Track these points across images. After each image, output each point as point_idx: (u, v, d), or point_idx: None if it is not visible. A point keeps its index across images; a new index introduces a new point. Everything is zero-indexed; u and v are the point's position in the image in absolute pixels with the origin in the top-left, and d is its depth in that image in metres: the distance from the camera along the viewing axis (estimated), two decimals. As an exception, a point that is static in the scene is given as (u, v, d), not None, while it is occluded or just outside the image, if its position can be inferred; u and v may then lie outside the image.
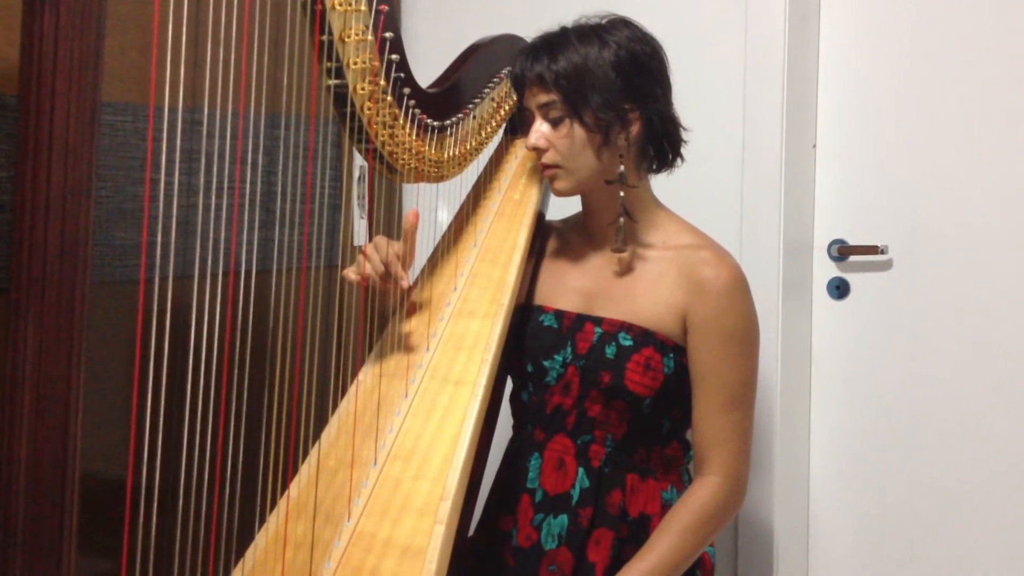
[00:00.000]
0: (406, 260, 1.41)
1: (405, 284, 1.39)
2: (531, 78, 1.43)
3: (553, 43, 1.43)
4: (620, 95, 1.40)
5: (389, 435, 1.34)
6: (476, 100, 1.56)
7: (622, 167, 1.44)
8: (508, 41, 1.63)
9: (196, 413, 1.13)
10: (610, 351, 1.41)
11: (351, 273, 1.43)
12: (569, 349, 1.45)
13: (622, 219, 1.44)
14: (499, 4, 2.20)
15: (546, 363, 1.46)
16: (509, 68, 1.61)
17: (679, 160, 1.50)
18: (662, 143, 1.47)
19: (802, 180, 1.94)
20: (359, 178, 2.10)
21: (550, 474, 1.45)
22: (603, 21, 1.45)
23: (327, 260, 1.92)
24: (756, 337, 1.45)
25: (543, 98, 1.43)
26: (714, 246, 1.46)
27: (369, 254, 1.41)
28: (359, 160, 2.06)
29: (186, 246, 1.23)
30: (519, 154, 1.71)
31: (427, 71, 1.49)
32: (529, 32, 1.51)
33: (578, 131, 1.42)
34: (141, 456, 1.05)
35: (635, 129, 1.44)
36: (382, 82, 1.32)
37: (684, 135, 1.49)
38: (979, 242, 1.81)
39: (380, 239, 1.42)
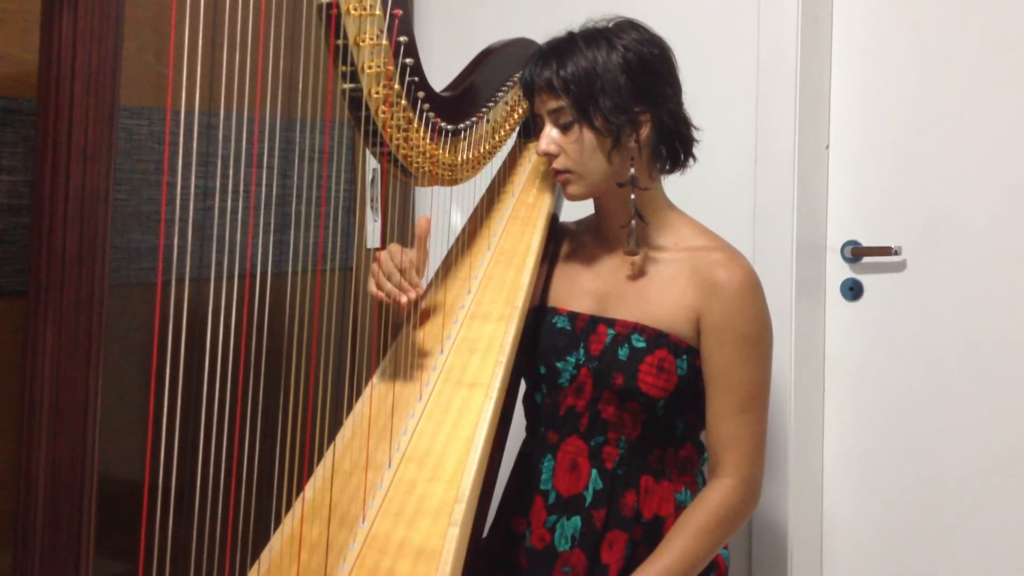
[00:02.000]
0: (420, 267, 1.42)
1: (414, 295, 1.39)
2: (540, 84, 1.44)
3: (561, 48, 1.43)
4: (629, 98, 1.40)
5: (403, 437, 1.35)
6: (490, 104, 1.56)
7: (633, 170, 1.44)
8: (521, 45, 1.63)
9: (212, 415, 1.13)
10: (623, 353, 1.42)
11: (372, 287, 1.43)
12: (582, 351, 1.45)
13: (634, 222, 1.45)
14: (512, 8, 2.20)
15: (559, 364, 1.46)
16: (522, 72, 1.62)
17: (691, 160, 1.50)
18: (674, 144, 1.48)
19: (815, 181, 1.94)
20: (372, 180, 2.11)
21: (563, 476, 1.45)
22: (610, 24, 1.45)
23: (342, 263, 1.92)
24: (770, 339, 1.44)
25: (552, 104, 1.43)
26: (727, 248, 1.46)
27: (383, 261, 1.41)
28: (372, 163, 2.06)
29: (202, 249, 1.24)
30: (533, 157, 1.71)
31: (441, 75, 1.49)
32: (542, 36, 1.51)
33: (588, 135, 1.42)
34: (158, 457, 1.05)
35: (645, 131, 1.44)
36: (396, 86, 1.32)
37: (696, 135, 1.49)
38: (993, 243, 1.80)
39: (394, 247, 1.42)
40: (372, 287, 1.42)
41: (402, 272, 1.39)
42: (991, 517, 1.80)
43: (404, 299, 1.39)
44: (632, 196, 1.44)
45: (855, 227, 1.94)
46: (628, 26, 1.45)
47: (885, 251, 1.90)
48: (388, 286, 1.40)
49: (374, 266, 1.43)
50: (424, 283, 1.54)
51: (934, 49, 1.86)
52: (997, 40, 1.80)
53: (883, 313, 1.92)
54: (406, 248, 1.42)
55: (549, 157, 1.46)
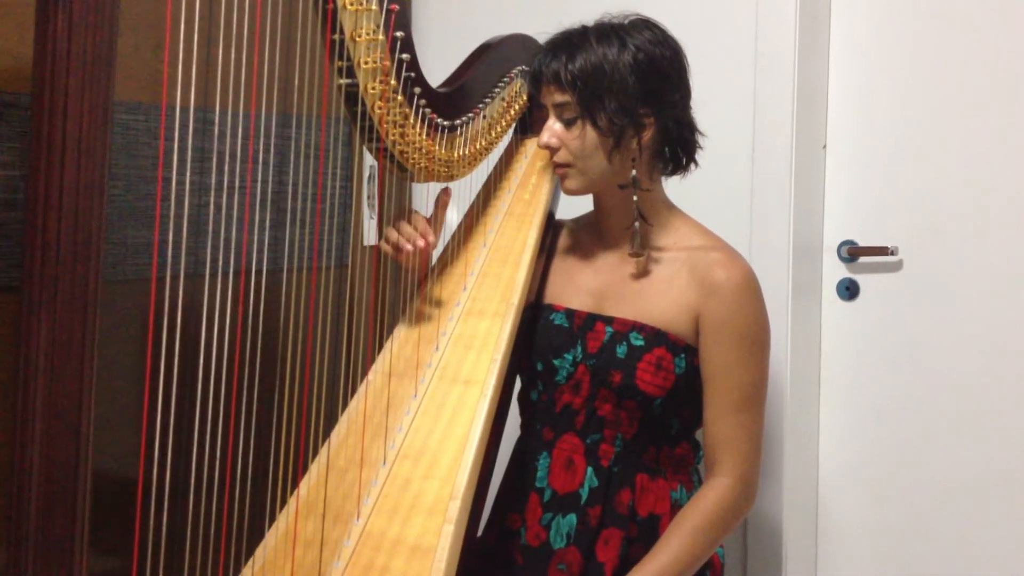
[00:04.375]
0: (435, 232, 1.46)
1: (420, 244, 1.42)
2: (548, 76, 1.43)
3: (572, 41, 1.42)
4: (636, 100, 1.40)
5: (399, 434, 1.34)
6: (486, 100, 1.56)
7: (634, 171, 1.43)
8: (518, 41, 1.63)
9: (207, 411, 1.13)
10: (621, 351, 1.41)
11: (384, 244, 1.47)
12: (579, 348, 1.45)
13: (637, 224, 1.44)
14: (509, 4, 2.20)
15: (556, 362, 1.46)
16: (520, 67, 1.61)
17: (693, 165, 1.50)
18: (676, 148, 1.47)
19: (812, 181, 1.94)
20: (369, 177, 2.11)
21: (559, 473, 1.45)
22: (625, 22, 1.44)
23: (338, 260, 1.92)
24: (767, 338, 1.44)
25: (558, 98, 1.43)
26: (726, 247, 1.46)
27: (400, 223, 1.44)
28: (369, 159, 2.06)
29: (197, 245, 1.24)
30: (529, 153, 1.71)
31: (437, 71, 1.49)
32: (539, 32, 1.51)
33: (590, 133, 1.42)
34: (152, 454, 1.05)
35: (648, 134, 1.43)
36: (393, 81, 1.32)
37: (700, 140, 1.49)
38: (989, 243, 1.80)
39: (411, 211, 1.46)
40: (383, 244, 1.47)
41: (419, 231, 1.44)
42: (986, 516, 1.80)
43: (421, 242, 1.42)
44: (635, 198, 1.44)
45: (851, 227, 1.94)
46: (643, 25, 1.44)
47: (881, 251, 1.90)
48: (408, 229, 1.43)
49: (388, 230, 1.46)
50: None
51: (932, 49, 1.86)
52: (995, 40, 1.80)
53: (879, 313, 1.92)
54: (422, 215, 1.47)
55: (550, 150, 1.46)
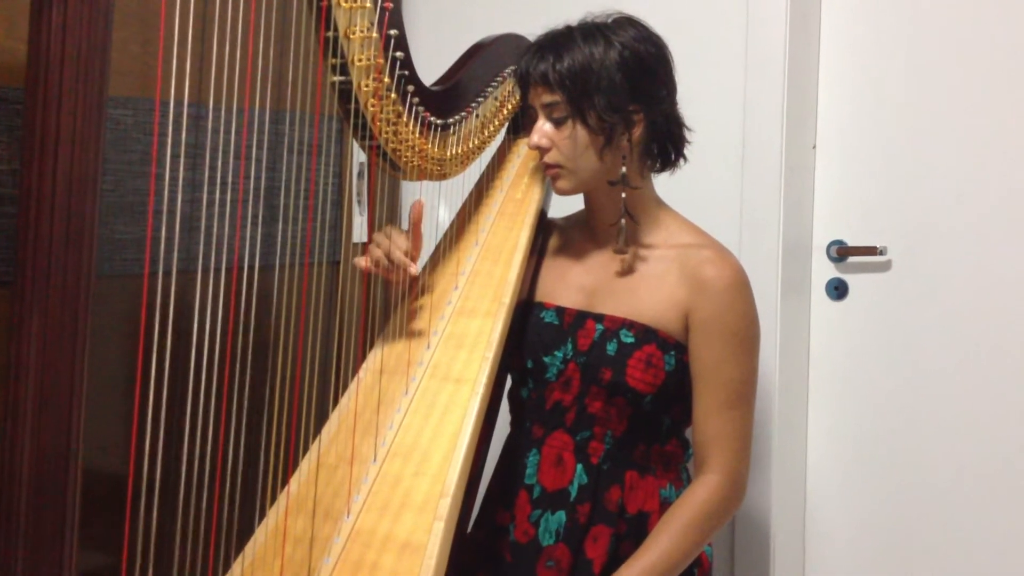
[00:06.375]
0: (414, 253, 1.43)
1: (414, 271, 1.40)
2: (535, 76, 1.43)
3: (558, 42, 1.43)
4: (625, 97, 1.40)
5: (389, 432, 1.35)
6: (479, 99, 1.56)
7: (624, 169, 1.44)
8: (511, 40, 1.63)
9: (197, 408, 1.13)
10: (611, 348, 1.42)
11: (361, 261, 1.44)
12: (570, 345, 1.45)
13: (623, 221, 1.45)
14: (503, 3, 2.20)
15: (546, 359, 1.47)
16: (512, 67, 1.61)
17: (682, 160, 1.51)
18: (665, 144, 1.48)
19: (802, 181, 1.94)
20: (359, 174, 2.11)
21: (548, 470, 1.46)
22: (609, 20, 1.45)
23: (329, 256, 1.92)
24: (757, 336, 1.45)
25: (547, 98, 1.43)
26: (716, 245, 1.47)
27: (379, 241, 1.41)
28: (360, 156, 2.06)
29: (189, 241, 1.23)
30: (521, 153, 1.71)
31: (430, 69, 1.49)
32: (532, 31, 1.51)
33: (581, 132, 1.42)
34: (142, 450, 1.05)
35: (638, 131, 1.44)
36: (386, 79, 1.32)
37: (688, 135, 1.49)
38: (978, 243, 1.81)
39: (391, 228, 1.43)
40: (361, 262, 1.43)
41: (394, 254, 1.40)
42: (973, 515, 1.81)
43: (413, 270, 1.40)
44: (623, 195, 1.44)
45: (841, 227, 1.95)
46: (626, 23, 1.44)
47: (870, 251, 1.91)
48: (398, 255, 1.40)
49: (370, 246, 1.43)
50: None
51: (921, 50, 1.87)
52: (984, 42, 1.81)
53: (868, 313, 1.93)
54: (403, 231, 1.44)
55: (540, 151, 1.46)
